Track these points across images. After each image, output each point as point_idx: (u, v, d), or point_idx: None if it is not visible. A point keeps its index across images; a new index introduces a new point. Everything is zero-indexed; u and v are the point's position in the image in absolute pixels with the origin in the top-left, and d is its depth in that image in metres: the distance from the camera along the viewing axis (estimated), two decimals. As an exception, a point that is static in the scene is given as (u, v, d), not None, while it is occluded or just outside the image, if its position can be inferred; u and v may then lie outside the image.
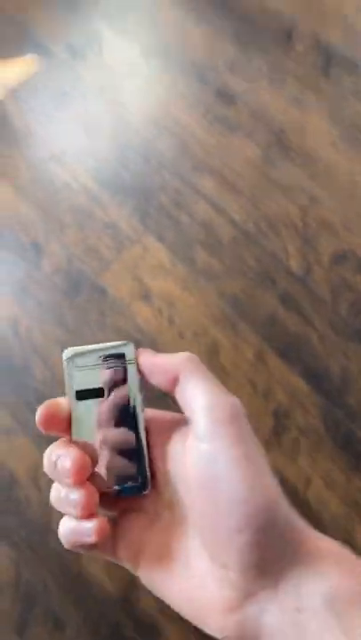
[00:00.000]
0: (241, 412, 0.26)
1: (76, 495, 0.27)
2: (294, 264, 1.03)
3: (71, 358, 0.29)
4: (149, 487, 0.29)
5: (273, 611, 0.24)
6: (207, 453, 0.25)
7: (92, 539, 0.27)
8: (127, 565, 0.29)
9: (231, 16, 1.26)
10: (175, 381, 0.28)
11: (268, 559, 0.24)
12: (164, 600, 0.28)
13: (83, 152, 1.18)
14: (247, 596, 0.25)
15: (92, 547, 0.27)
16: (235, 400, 0.26)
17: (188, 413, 0.28)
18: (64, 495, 0.28)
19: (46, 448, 0.30)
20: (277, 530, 0.24)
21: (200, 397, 0.27)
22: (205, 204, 1.11)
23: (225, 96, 1.19)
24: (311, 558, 0.25)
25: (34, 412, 1.03)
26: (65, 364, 0.30)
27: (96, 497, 0.27)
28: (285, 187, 1.09)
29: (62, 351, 0.30)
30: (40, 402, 0.29)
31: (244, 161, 1.13)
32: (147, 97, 1.23)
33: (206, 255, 1.06)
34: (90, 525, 0.27)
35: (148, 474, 0.29)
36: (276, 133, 1.13)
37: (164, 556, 0.27)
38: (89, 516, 0.27)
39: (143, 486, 0.28)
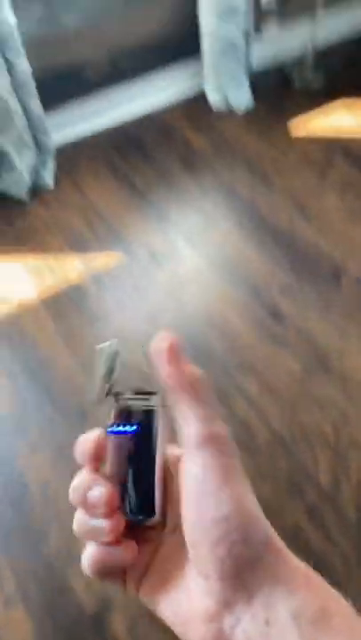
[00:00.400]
0: (224, 437, 0.30)
1: (106, 523, 0.30)
2: (323, 478, 1.06)
3: (106, 395, 0.33)
4: (158, 519, 0.31)
5: (246, 621, 0.27)
6: (198, 474, 0.29)
7: (128, 558, 0.30)
8: (130, 589, 0.31)
9: (289, 249, 1.49)
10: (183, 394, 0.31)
11: (245, 571, 0.27)
12: (160, 616, 0.30)
13: (143, 337, 1.32)
14: (225, 605, 0.27)
15: (122, 570, 0.30)
16: (218, 427, 0.30)
17: (185, 435, 0.31)
18: (90, 523, 0.30)
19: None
20: (254, 545, 0.27)
21: (195, 422, 0.30)
22: (245, 403, 1.19)
23: (275, 314, 1.35)
24: (284, 575, 0.27)
25: (37, 582, 1.01)
26: None
27: (123, 523, 0.30)
28: (322, 402, 1.18)
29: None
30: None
31: (286, 371, 1.23)
32: (206, 300, 1.40)
33: (240, 452, 1.11)
34: (122, 548, 0.30)
35: (159, 509, 0.31)
36: (318, 354, 1.26)
37: (164, 579, 0.30)
38: (117, 542, 0.30)
39: (153, 518, 0.31)
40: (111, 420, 0.32)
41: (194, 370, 0.31)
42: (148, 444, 0.32)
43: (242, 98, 1.91)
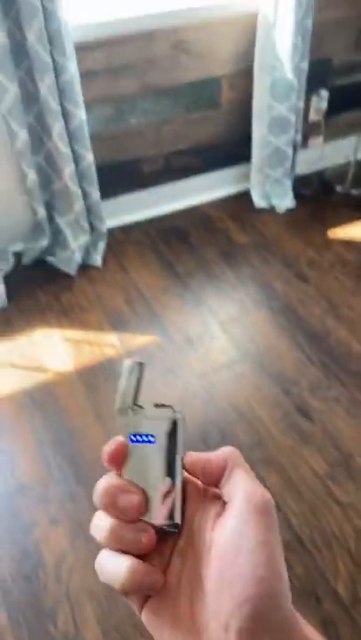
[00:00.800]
0: (272, 504, 0.30)
1: (143, 534, 0.30)
2: (342, 589, 1.03)
3: (130, 406, 0.34)
4: (180, 528, 0.31)
5: None
6: (237, 531, 0.29)
7: (160, 583, 0.29)
8: (132, 603, 0.31)
9: (320, 347, 1.53)
10: (223, 468, 0.32)
11: (265, 635, 0.27)
12: None
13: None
14: None
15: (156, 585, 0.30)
16: (268, 494, 0.31)
17: (227, 494, 0.31)
18: (124, 532, 0.30)
19: None
20: (281, 611, 0.28)
21: (242, 484, 0.31)
22: (266, 499, 1.19)
23: (303, 410, 1.37)
24: None
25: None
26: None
27: (155, 536, 0.30)
28: (344, 506, 1.16)
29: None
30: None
31: (309, 470, 1.24)
32: (236, 389, 1.44)
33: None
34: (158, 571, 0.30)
35: (181, 518, 0.31)
36: (344, 456, 1.26)
37: (170, 600, 0.30)
38: (148, 549, 0.30)
39: (176, 527, 0.31)
40: (134, 429, 0.33)
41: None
42: (170, 453, 0.33)
43: (284, 200, 2.04)
